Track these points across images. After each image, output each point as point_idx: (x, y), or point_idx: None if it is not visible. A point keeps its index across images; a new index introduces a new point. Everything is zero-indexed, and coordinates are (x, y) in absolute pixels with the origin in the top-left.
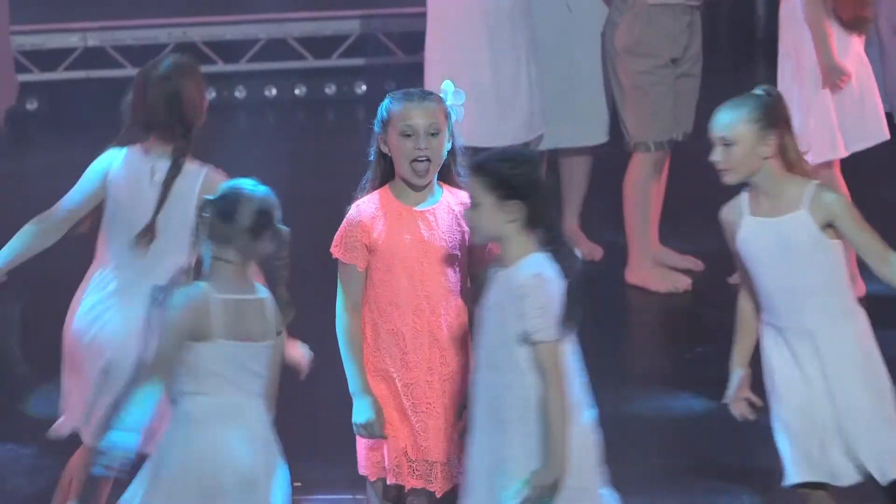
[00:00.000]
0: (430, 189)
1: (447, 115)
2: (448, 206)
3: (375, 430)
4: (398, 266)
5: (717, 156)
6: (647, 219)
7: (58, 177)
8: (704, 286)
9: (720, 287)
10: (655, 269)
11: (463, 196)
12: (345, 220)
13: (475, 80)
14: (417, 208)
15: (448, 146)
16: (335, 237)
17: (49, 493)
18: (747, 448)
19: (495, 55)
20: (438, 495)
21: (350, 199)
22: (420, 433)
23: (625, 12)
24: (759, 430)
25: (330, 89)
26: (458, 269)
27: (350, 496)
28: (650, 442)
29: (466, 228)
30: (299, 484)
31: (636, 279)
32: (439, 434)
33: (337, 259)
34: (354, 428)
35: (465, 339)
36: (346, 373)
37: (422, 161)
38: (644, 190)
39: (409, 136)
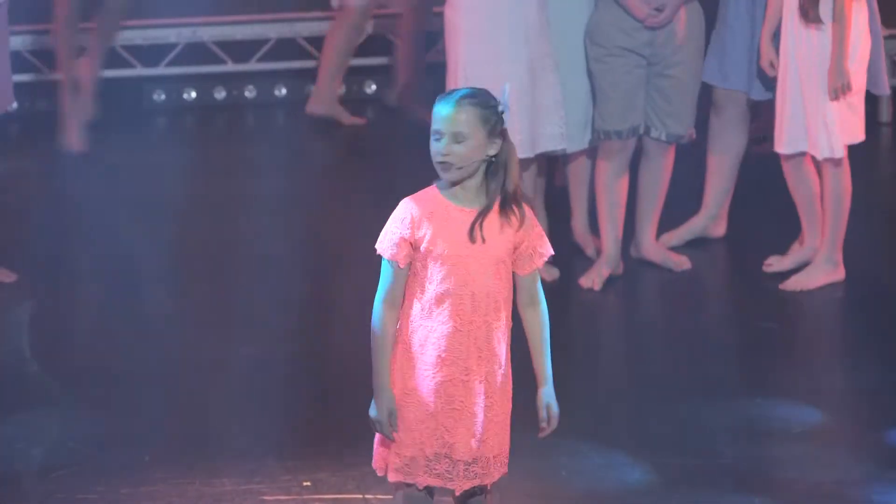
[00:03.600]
0: (478, 189)
1: (485, 121)
2: (498, 209)
3: (385, 429)
4: (441, 264)
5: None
6: (614, 209)
7: (67, 177)
8: (709, 283)
9: (722, 285)
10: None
11: (513, 205)
12: (391, 216)
13: (519, 90)
14: (463, 207)
15: (492, 151)
16: (381, 233)
17: None
18: (758, 448)
19: (533, 64)
20: (458, 493)
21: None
22: (448, 430)
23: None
24: (769, 430)
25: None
26: (503, 273)
27: (359, 496)
28: (659, 442)
29: (513, 235)
30: (308, 483)
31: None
32: (466, 434)
33: (382, 257)
34: (370, 421)
35: (506, 343)
36: (373, 366)
37: (444, 165)
38: (608, 184)
39: (436, 139)
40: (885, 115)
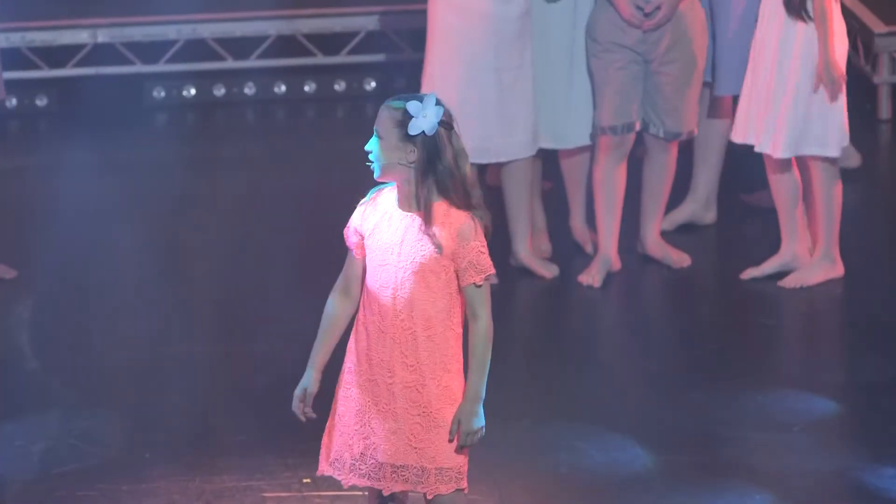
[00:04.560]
0: (414, 194)
1: (399, 124)
2: (438, 219)
3: (294, 402)
4: (374, 262)
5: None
6: (611, 205)
7: (66, 174)
8: (707, 280)
9: (723, 283)
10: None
11: (455, 217)
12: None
13: (481, 97)
14: (402, 210)
15: (410, 157)
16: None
17: None
18: (757, 445)
19: (501, 74)
20: (385, 493)
21: (358, 195)
22: (373, 430)
23: None
24: (765, 427)
25: (339, 86)
26: (432, 283)
27: (359, 493)
28: (658, 439)
29: (449, 247)
30: (308, 480)
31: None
32: (391, 436)
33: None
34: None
35: (441, 354)
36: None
37: (369, 161)
38: (605, 181)
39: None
40: (884, 112)
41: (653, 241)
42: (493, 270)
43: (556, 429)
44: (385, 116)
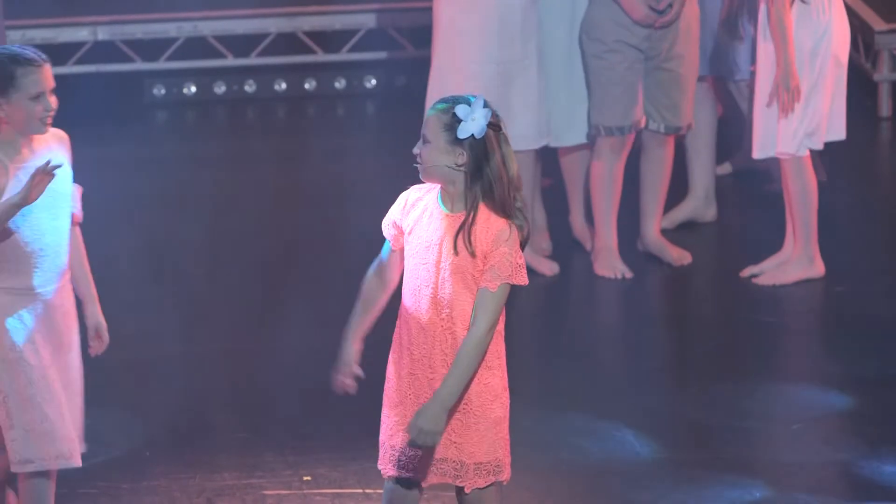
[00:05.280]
0: (458, 196)
1: (446, 128)
2: (478, 220)
3: (335, 376)
4: (413, 260)
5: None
6: (610, 208)
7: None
8: (707, 277)
9: (723, 280)
10: (614, 258)
11: (494, 221)
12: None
13: (484, 90)
14: (443, 210)
15: (459, 161)
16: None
17: None
18: (758, 441)
19: (506, 66)
20: (424, 486)
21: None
22: None
23: None
24: (766, 422)
25: (340, 83)
26: (471, 284)
27: (360, 490)
28: (659, 435)
29: (476, 244)
30: (309, 478)
31: (604, 270)
32: None
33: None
34: None
35: (494, 355)
36: None
37: (416, 164)
38: (607, 179)
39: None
40: (885, 109)
41: (653, 238)
42: (515, 280)
43: (557, 425)
44: (433, 120)
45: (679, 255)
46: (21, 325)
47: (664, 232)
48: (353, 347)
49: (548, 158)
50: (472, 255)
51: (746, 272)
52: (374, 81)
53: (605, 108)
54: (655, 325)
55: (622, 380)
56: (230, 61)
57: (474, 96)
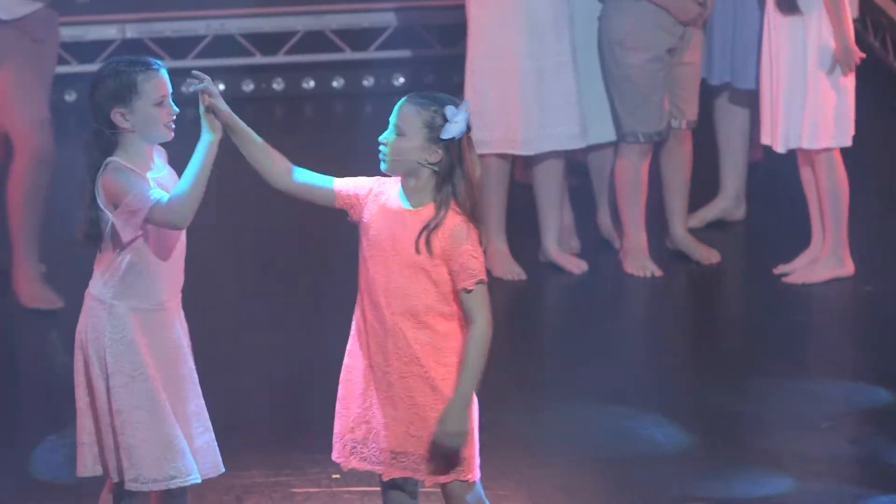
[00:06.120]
0: (420, 192)
1: (428, 125)
2: (425, 216)
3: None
4: (367, 252)
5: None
6: (639, 208)
7: None
8: (739, 278)
9: (753, 279)
10: (644, 257)
11: (449, 218)
12: (369, 178)
13: (520, 89)
14: (402, 205)
15: (432, 159)
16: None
17: None
18: (786, 436)
19: (539, 63)
20: (385, 479)
21: None
22: (374, 415)
23: (615, 3)
24: (795, 419)
25: (368, 82)
26: (423, 280)
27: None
28: (688, 431)
29: (433, 244)
30: (337, 476)
31: (633, 268)
32: (390, 423)
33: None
34: None
35: (433, 348)
36: None
37: (380, 154)
38: (635, 179)
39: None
40: None
41: (681, 236)
42: (484, 276)
43: (585, 421)
44: (412, 114)
45: (708, 254)
46: (147, 343)
47: (692, 230)
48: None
49: (573, 158)
50: (430, 252)
51: (778, 270)
52: (402, 80)
53: (646, 115)
54: (684, 322)
55: (651, 376)
56: (258, 59)
57: (459, 99)
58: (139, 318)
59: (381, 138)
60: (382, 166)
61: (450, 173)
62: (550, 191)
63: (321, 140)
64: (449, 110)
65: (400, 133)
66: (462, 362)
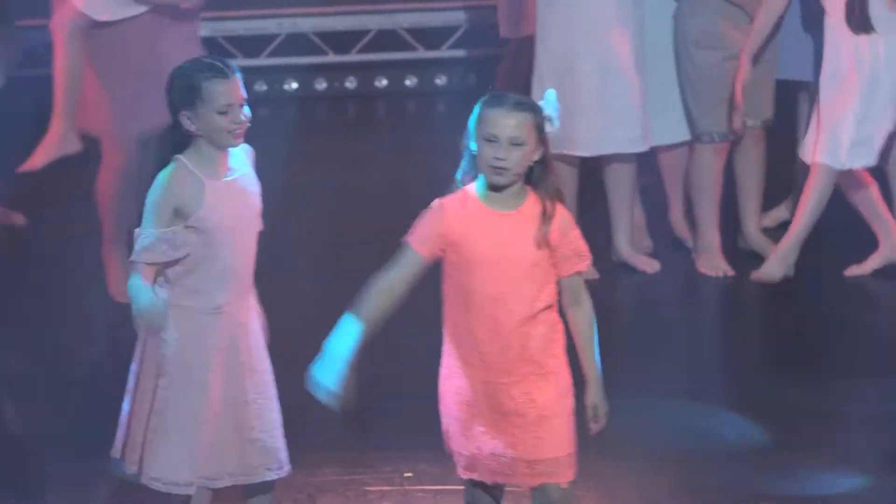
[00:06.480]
0: (516, 193)
1: (538, 127)
2: (531, 212)
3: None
4: (474, 266)
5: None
6: (713, 207)
7: None
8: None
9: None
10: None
11: (557, 210)
12: (426, 214)
13: (583, 89)
14: (500, 211)
15: (537, 156)
16: (413, 227)
17: None
18: (863, 433)
19: (602, 64)
20: (527, 491)
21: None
22: (501, 429)
23: (690, 2)
24: (873, 416)
25: (441, 81)
26: (538, 276)
27: (461, 487)
28: (763, 427)
29: (552, 238)
30: (410, 474)
31: (706, 268)
32: (516, 431)
33: (405, 243)
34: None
35: (549, 343)
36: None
37: (499, 170)
38: (710, 179)
39: (491, 142)
40: None
41: (754, 235)
42: (590, 256)
43: (659, 421)
44: (526, 122)
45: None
46: (199, 346)
47: (765, 230)
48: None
49: (645, 157)
50: (548, 245)
51: (851, 272)
52: (474, 79)
53: (722, 115)
54: (757, 321)
55: (724, 375)
56: (331, 58)
57: (546, 92)
58: (196, 320)
59: (499, 155)
60: (501, 181)
61: (547, 165)
62: (624, 190)
63: (394, 139)
64: (549, 105)
65: (518, 143)
66: (585, 344)
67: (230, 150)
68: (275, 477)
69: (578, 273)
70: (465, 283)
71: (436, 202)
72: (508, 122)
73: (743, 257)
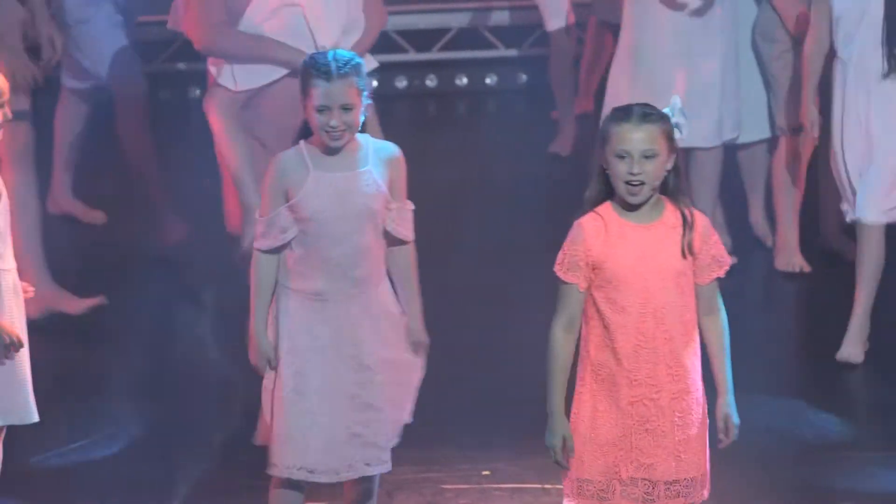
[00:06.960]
0: (653, 205)
1: (667, 135)
2: (671, 222)
3: (558, 455)
4: (621, 283)
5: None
6: (792, 201)
7: None
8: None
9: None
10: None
11: (696, 216)
12: (567, 238)
13: (661, 82)
14: (640, 224)
15: (669, 165)
16: (558, 256)
17: None
18: None
19: (682, 59)
20: None
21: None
22: (643, 451)
23: None
24: None
25: (521, 79)
26: (684, 286)
27: (538, 486)
28: (851, 425)
29: (693, 243)
30: (488, 472)
31: (784, 265)
32: (660, 452)
33: (560, 281)
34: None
35: (695, 354)
36: (548, 390)
37: (635, 185)
38: (788, 174)
39: (623, 158)
40: None
41: (835, 235)
42: (731, 261)
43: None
44: (657, 133)
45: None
46: (306, 330)
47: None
48: (566, 419)
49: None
50: (691, 253)
51: None
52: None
53: (792, 107)
54: (836, 319)
55: (805, 372)
56: (412, 56)
57: (673, 98)
58: (304, 304)
59: (633, 170)
60: (637, 199)
61: (678, 173)
62: (705, 187)
63: (475, 137)
64: (678, 112)
65: (650, 156)
66: (720, 353)
67: (361, 146)
68: (373, 473)
69: (716, 280)
70: (609, 301)
71: (574, 227)
72: (638, 136)
73: (822, 256)
